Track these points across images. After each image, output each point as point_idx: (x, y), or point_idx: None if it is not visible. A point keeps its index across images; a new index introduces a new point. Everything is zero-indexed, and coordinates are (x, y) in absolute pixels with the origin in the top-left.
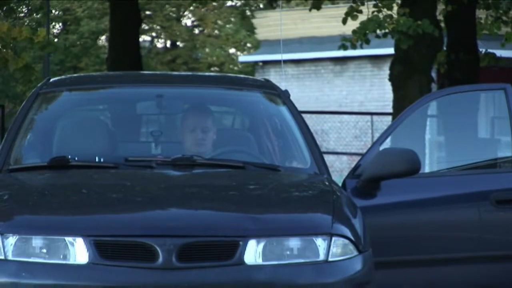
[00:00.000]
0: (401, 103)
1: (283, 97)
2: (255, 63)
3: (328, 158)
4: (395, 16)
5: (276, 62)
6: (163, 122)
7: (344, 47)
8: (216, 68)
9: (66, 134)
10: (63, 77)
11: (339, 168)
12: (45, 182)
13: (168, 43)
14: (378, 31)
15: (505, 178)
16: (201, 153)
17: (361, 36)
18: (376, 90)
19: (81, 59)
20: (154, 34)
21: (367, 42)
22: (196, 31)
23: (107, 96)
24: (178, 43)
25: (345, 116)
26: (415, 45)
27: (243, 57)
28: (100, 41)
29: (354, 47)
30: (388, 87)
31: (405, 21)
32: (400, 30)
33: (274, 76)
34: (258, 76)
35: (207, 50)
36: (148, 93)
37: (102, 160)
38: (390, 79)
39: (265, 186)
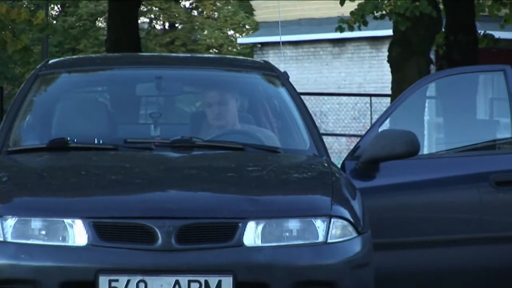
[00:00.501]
0: (399, 85)
1: (282, 78)
2: (254, 45)
3: (327, 140)
4: None
5: (275, 44)
6: (162, 103)
7: (341, 29)
8: (215, 50)
9: (65, 116)
10: (62, 59)
11: (337, 150)
12: (44, 164)
13: (167, 25)
14: (375, 13)
15: (505, 159)
16: (221, 127)
17: (359, 18)
18: (375, 72)
19: (80, 41)
20: (152, 15)
21: (365, 24)
22: (195, 12)
23: (106, 78)
24: (176, 25)
25: (344, 98)
26: (413, 27)
27: (241, 39)
28: (99, 23)
29: (351, 28)
30: (386, 69)
31: (402, 2)
32: (397, 11)
33: (273, 58)
34: (257, 58)
35: (205, 32)
36: (147, 75)
37: (101, 142)
38: (388, 61)
39: (264, 168)
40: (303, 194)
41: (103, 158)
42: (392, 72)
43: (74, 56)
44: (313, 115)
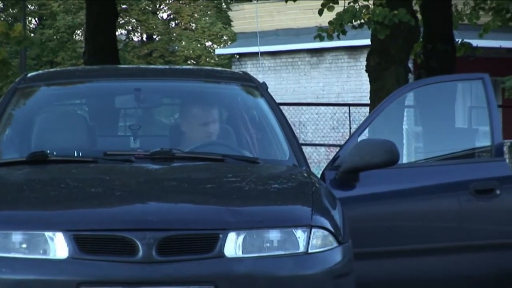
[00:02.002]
0: (378, 94)
1: (261, 89)
2: (232, 55)
3: (306, 150)
4: (371, 6)
5: (253, 55)
6: (141, 115)
7: (321, 38)
8: (193, 61)
9: (44, 129)
10: (40, 72)
11: (317, 160)
12: (23, 177)
13: (144, 37)
14: (354, 22)
15: (484, 167)
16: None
17: (337, 27)
18: (353, 81)
19: (58, 53)
20: (130, 27)
21: (344, 32)
22: (172, 24)
23: (84, 90)
24: (154, 36)
25: (323, 108)
26: (391, 36)
27: (219, 50)
28: (77, 35)
29: (330, 38)
30: (365, 78)
31: (381, 11)
32: (376, 20)
33: (251, 69)
34: (235, 69)
35: (183, 43)
36: (125, 87)
37: (80, 154)
38: (367, 70)
39: (244, 179)
40: (284, 204)
41: (83, 171)
42: (370, 81)
43: (53, 69)
44: (292, 125)
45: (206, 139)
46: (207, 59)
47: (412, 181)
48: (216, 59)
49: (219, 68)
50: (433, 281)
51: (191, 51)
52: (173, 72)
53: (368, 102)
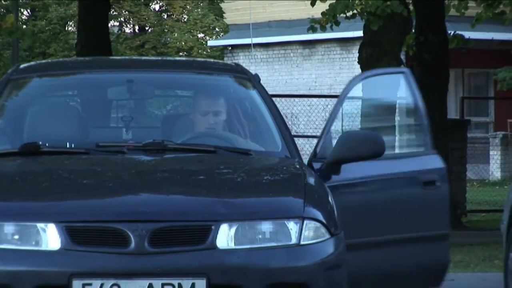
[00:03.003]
0: None
1: (254, 81)
2: (224, 47)
3: (298, 142)
4: None
5: (245, 46)
6: (134, 107)
7: (313, 29)
8: (185, 53)
9: (37, 121)
10: (33, 63)
11: (309, 151)
12: (16, 168)
13: (137, 28)
14: (346, 13)
15: (422, 161)
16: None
17: (330, 18)
18: (346, 73)
19: (50, 45)
20: (122, 19)
21: (337, 23)
22: (165, 16)
23: (77, 82)
24: (146, 28)
25: (315, 100)
26: (384, 28)
27: (212, 42)
28: (69, 27)
29: (323, 29)
30: (357, 70)
31: (373, 1)
32: (368, 10)
33: (243, 60)
34: (227, 61)
35: (175, 34)
36: (118, 79)
37: (73, 146)
38: (359, 62)
39: (237, 170)
40: (276, 196)
41: (75, 162)
42: None
43: (45, 61)
44: (284, 117)
45: (204, 129)
46: (199, 51)
47: (357, 173)
48: (209, 50)
49: (212, 60)
50: (376, 275)
51: (183, 43)
52: (166, 64)
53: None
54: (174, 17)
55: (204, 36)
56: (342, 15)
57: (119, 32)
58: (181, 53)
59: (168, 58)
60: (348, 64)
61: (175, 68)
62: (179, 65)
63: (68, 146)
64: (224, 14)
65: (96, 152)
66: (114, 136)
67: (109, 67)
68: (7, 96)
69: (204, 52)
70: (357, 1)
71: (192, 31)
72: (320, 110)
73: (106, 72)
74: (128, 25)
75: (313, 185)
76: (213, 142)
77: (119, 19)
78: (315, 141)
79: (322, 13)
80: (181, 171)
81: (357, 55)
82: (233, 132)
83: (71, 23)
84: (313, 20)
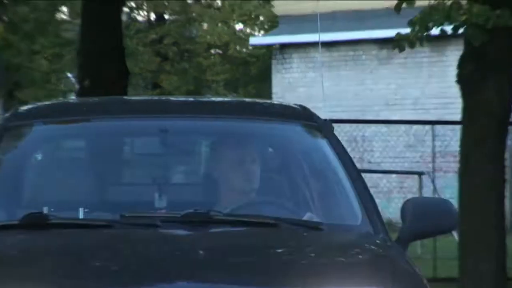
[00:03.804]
0: (473, 112)
1: (325, 130)
2: (270, 46)
3: (372, 177)
4: (464, 2)
5: (300, 46)
6: (169, 165)
7: (401, 47)
8: (218, 51)
9: (42, 182)
10: (34, 105)
11: (387, 189)
12: (17, 248)
13: (152, 17)
14: (443, 24)
15: None
16: (254, 190)
17: (422, 29)
18: (436, 83)
19: (36, 39)
20: (133, 4)
21: (428, 38)
22: (190, 0)
23: (94, 130)
24: (165, 16)
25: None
26: (490, 36)
27: (254, 39)
28: (61, 13)
29: (412, 45)
30: (451, 80)
31: (479, 10)
32: (474, 22)
33: (297, 64)
34: (276, 64)
35: (205, 26)
36: (147, 127)
37: (91, 217)
38: (458, 81)
39: (305, 252)
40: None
41: (95, 240)
42: (463, 95)
43: (51, 102)
44: (353, 142)
45: (245, 183)
46: (237, 48)
47: None
48: (250, 48)
49: (267, 101)
50: None
51: (215, 37)
52: (209, 107)
53: (455, 111)
54: (203, 2)
55: (244, 28)
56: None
57: (129, 21)
58: (212, 51)
59: (211, 98)
60: (440, 71)
61: (221, 112)
62: (225, 108)
63: (83, 217)
64: (272, 1)
65: (121, 226)
66: (143, 204)
67: (133, 111)
68: (4, 149)
69: (244, 50)
70: (456, 7)
71: (227, 21)
72: (402, 133)
73: (130, 118)
74: (141, 12)
75: (404, 273)
76: (273, 212)
77: (129, 3)
78: (394, 176)
79: (410, 23)
80: (232, 252)
81: (452, 57)
82: (297, 197)
83: (63, 9)
84: (399, 35)
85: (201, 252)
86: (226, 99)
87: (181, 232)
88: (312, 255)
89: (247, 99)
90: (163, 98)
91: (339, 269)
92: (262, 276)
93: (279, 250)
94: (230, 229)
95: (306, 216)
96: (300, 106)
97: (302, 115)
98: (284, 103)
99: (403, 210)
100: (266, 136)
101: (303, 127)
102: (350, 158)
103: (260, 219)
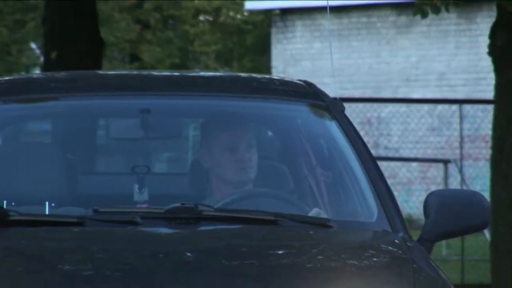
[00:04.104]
0: (508, 89)
1: (334, 110)
2: (269, 11)
3: (390, 164)
4: None
5: (304, 11)
6: (151, 151)
7: (423, 13)
8: (208, 17)
9: (1, 170)
10: None
11: (407, 179)
12: None
13: None
14: None
15: None
16: (250, 181)
17: None
18: (465, 55)
19: None
20: None
21: (456, 2)
22: None
23: (63, 111)
24: None
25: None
26: None
27: (251, 3)
28: None
29: (436, 10)
30: (482, 50)
31: None
32: None
33: (301, 33)
34: (276, 33)
35: None
36: (126, 107)
37: (59, 212)
38: (490, 53)
39: (311, 256)
40: None
41: (63, 240)
42: (495, 69)
43: (11, 77)
44: (367, 124)
45: (238, 173)
46: (230, 14)
47: None
48: (245, 13)
49: (266, 77)
50: None
51: (204, 1)
52: (199, 83)
53: (487, 90)
54: None
55: None
56: None
57: None
58: (201, 17)
59: (201, 73)
60: (469, 42)
61: (213, 89)
62: (218, 85)
63: (50, 212)
64: None
65: (94, 223)
66: (120, 197)
67: (111, 87)
68: None
69: (238, 16)
70: None
71: None
72: (424, 114)
73: (107, 96)
74: None
75: (428, 279)
76: (272, 207)
77: None
78: (415, 164)
79: None
80: (225, 255)
81: (483, 26)
82: (301, 188)
83: None
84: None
85: (188, 254)
86: (218, 74)
87: (165, 230)
88: (320, 258)
89: (243, 74)
90: (144, 72)
91: (352, 275)
92: (261, 284)
93: (281, 252)
94: (222, 227)
95: (313, 212)
96: (305, 82)
97: (307, 93)
98: (286, 79)
99: (426, 204)
100: (265, 117)
101: (309, 107)
102: (364, 143)
103: (258, 215)
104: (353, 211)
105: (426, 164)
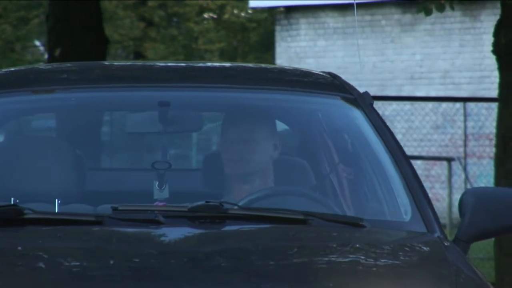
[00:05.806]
0: None
1: (362, 103)
2: (273, 9)
3: None
4: None
5: (308, 9)
6: (171, 147)
7: (427, 11)
8: (212, 15)
9: (13, 167)
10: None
11: None
12: None
13: None
14: None
15: None
16: (241, 176)
17: None
18: (469, 53)
19: None
20: None
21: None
22: None
23: (75, 103)
24: None
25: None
26: None
27: (256, 1)
28: None
29: (441, 8)
30: (487, 48)
31: None
32: None
33: (305, 31)
34: (281, 30)
35: None
36: (143, 100)
37: (76, 211)
38: (494, 51)
39: (346, 257)
40: None
41: (81, 241)
42: (500, 67)
43: (14, 68)
44: None
45: (231, 165)
46: (235, 11)
47: None
48: (249, 11)
49: (288, 67)
50: None
51: (209, 0)
52: (219, 74)
53: (492, 88)
54: None
55: None
56: None
57: None
58: (205, 15)
59: (221, 64)
60: (473, 40)
61: (233, 81)
62: (239, 77)
63: (66, 210)
64: None
65: (113, 222)
66: (140, 195)
67: (126, 79)
68: None
69: (243, 14)
70: None
71: None
72: (428, 111)
73: (121, 88)
74: None
75: (469, 281)
76: (301, 206)
77: None
78: (419, 161)
79: None
80: (255, 257)
81: (487, 24)
82: (330, 188)
83: None
84: None
85: (217, 257)
86: (240, 64)
87: (189, 230)
88: (356, 258)
89: (268, 65)
90: (161, 63)
91: (391, 277)
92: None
93: (315, 253)
94: (249, 226)
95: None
96: (330, 74)
97: (336, 86)
98: (312, 71)
99: (462, 203)
100: (295, 112)
101: (338, 100)
102: (395, 138)
103: (287, 214)
104: (386, 210)
105: (430, 162)
